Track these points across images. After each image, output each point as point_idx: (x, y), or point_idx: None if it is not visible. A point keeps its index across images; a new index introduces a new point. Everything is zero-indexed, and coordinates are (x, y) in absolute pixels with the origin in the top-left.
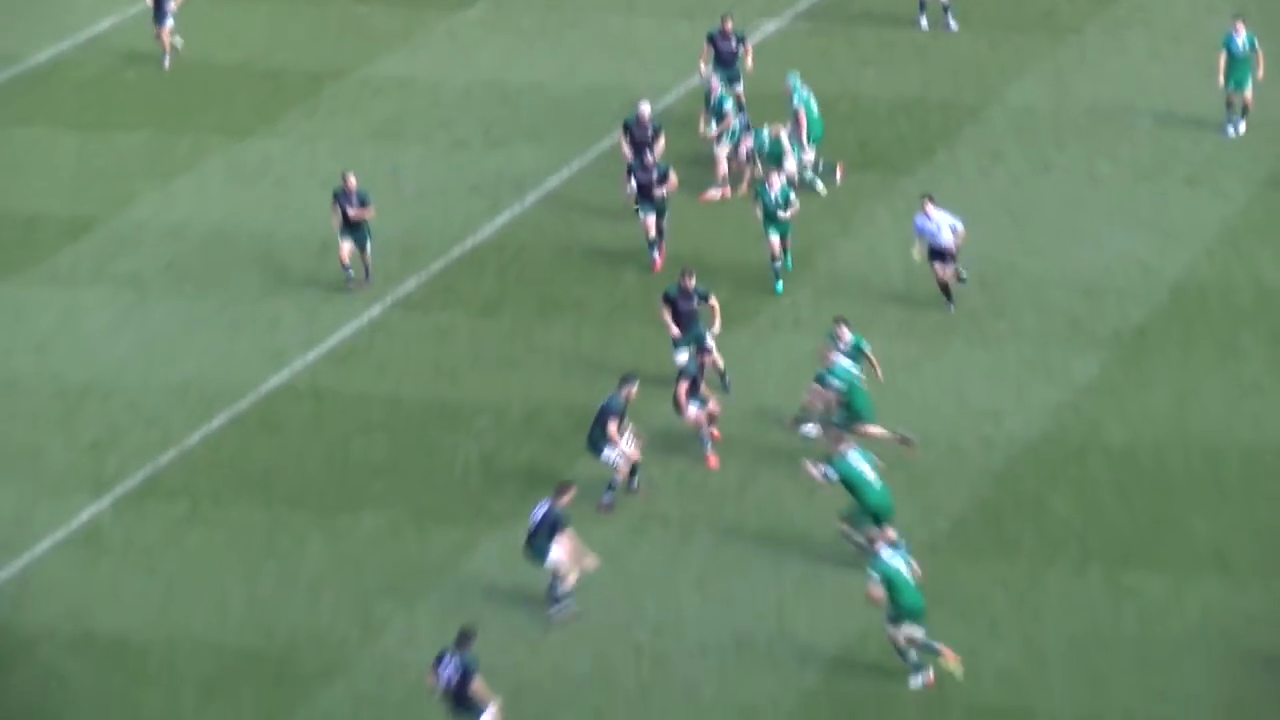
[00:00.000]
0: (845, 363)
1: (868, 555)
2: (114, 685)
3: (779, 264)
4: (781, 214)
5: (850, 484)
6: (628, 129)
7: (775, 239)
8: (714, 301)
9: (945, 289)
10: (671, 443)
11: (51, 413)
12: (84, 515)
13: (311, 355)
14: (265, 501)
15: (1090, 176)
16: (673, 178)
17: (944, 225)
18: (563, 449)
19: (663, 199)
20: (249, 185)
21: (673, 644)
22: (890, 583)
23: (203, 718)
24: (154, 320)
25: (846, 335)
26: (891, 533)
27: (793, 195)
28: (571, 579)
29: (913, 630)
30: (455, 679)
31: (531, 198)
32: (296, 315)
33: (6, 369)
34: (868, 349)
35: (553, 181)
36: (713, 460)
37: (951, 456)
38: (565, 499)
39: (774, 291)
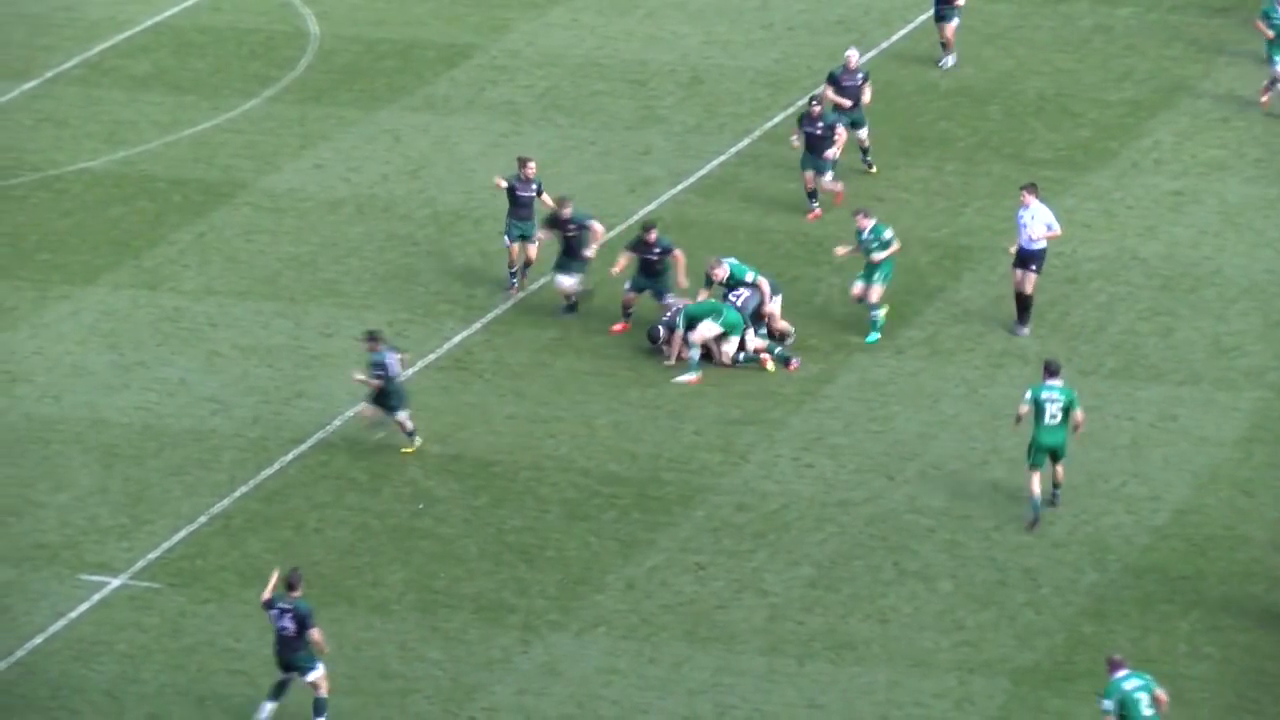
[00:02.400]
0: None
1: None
2: (480, 505)
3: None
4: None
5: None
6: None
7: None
8: None
9: (1021, 302)
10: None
11: (426, 236)
12: (455, 339)
13: (679, 186)
14: (632, 329)
15: None
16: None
17: (1039, 221)
18: (923, 284)
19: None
20: (621, 16)
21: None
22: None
23: (566, 539)
24: (526, 148)
25: None
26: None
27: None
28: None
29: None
30: (292, 628)
31: (899, 33)
32: (666, 145)
33: (384, 192)
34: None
35: (919, 17)
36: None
37: None
38: None
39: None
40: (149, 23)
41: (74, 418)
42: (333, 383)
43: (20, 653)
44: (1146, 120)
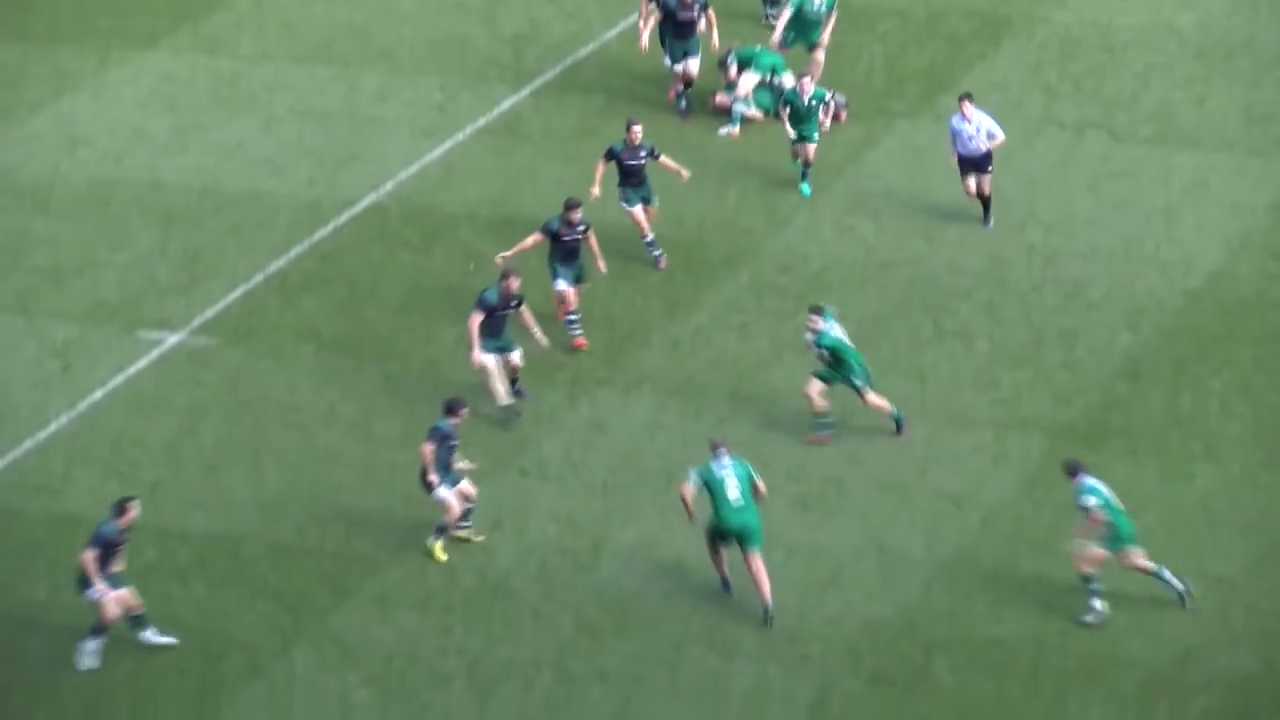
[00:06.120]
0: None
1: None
2: (529, 266)
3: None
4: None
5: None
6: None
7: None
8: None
9: (984, 201)
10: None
11: (477, 4)
12: (505, 104)
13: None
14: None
15: None
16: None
17: (984, 132)
18: (963, 52)
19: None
20: None
21: (1063, 243)
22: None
23: (613, 299)
24: None
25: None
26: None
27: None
28: None
29: None
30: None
31: None
32: None
33: None
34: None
35: None
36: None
37: None
38: None
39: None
40: None
41: (134, 180)
42: (385, 146)
43: (82, 406)
44: None
